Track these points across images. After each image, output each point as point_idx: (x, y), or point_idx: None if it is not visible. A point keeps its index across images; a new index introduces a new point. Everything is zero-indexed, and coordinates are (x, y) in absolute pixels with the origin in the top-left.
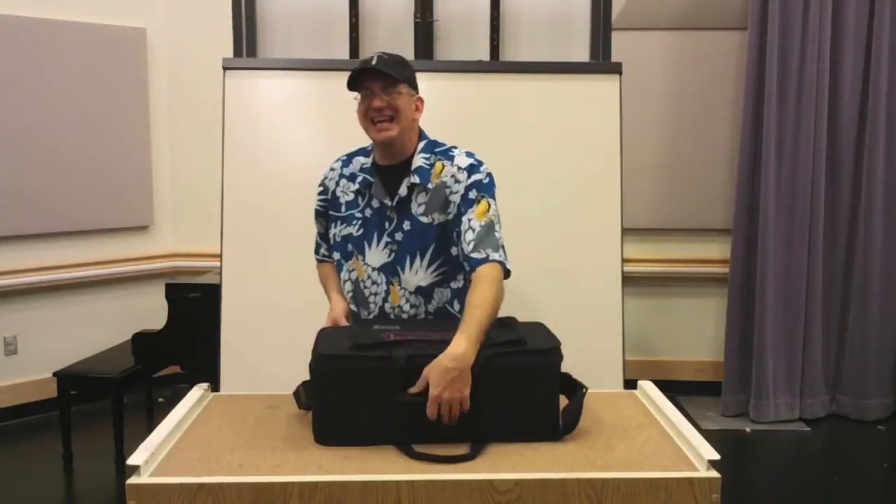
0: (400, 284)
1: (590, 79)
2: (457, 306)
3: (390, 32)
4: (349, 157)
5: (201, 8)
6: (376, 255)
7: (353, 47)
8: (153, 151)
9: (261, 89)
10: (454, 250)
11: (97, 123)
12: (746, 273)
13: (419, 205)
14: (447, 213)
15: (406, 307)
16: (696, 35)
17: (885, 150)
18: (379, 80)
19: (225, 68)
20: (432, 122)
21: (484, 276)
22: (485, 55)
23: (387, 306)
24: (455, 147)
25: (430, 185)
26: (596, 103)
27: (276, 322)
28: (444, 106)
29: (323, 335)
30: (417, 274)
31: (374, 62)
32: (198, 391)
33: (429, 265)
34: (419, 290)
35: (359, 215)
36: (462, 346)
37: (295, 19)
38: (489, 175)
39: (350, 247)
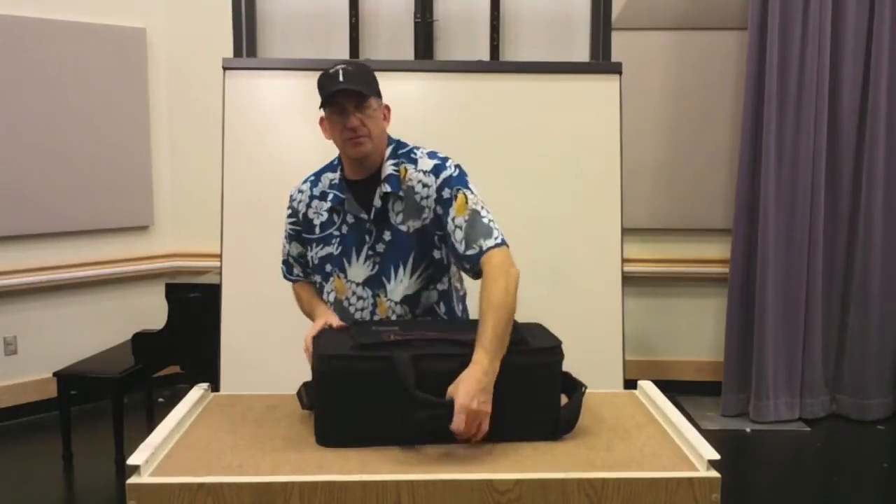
0: (386, 296)
1: (590, 79)
2: (442, 308)
3: (390, 32)
4: (317, 177)
5: (201, 8)
6: (359, 270)
7: (353, 47)
8: (153, 151)
9: (261, 89)
10: (437, 254)
11: (97, 123)
12: (746, 273)
13: (397, 213)
14: (422, 218)
15: (394, 318)
16: (696, 35)
17: (885, 150)
18: (352, 98)
19: (225, 68)
20: (433, 123)
21: (491, 271)
22: (485, 55)
23: (375, 319)
24: (417, 147)
25: (400, 192)
26: (596, 103)
27: (276, 322)
28: (444, 106)
29: (324, 336)
30: (402, 283)
31: (341, 78)
32: (198, 391)
33: (412, 272)
34: (405, 299)
35: (336, 233)
36: (485, 360)
37: (295, 19)
38: (457, 167)
39: (329, 267)
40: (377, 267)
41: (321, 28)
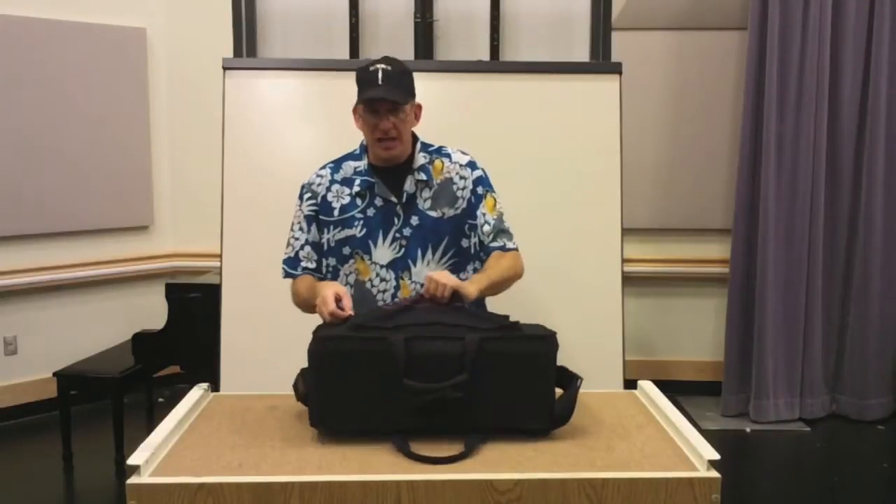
0: (410, 278)
1: (590, 79)
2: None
3: (390, 32)
4: (337, 164)
5: (201, 8)
6: (384, 252)
7: (353, 47)
8: (153, 151)
9: (261, 89)
10: (465, 242)
11: (97, 123)
12: (746, 273)
13: (425, 200)
14: (455, 207)
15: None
16: (696, 35)
17: (885, 150)
18: (387, 103)
19: (225, 68)
20: (433, 123)
21: (506, 255)
22: (485, 55)
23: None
24: (444, 146)
25: (433, 182)
26: (596, 103)
27: (276, 322)
28: (444, 106)
29: (324, 324)
30: (429, 266)
31: (380, 81)
32: (198, 391)
33: (441, 257)
34: None
35: (359, 216)
36: (468, 284)
37: (295, 19)
38: (484, 170)
39: (348, 249)
40: (403, 250)
41: (321, 28)
